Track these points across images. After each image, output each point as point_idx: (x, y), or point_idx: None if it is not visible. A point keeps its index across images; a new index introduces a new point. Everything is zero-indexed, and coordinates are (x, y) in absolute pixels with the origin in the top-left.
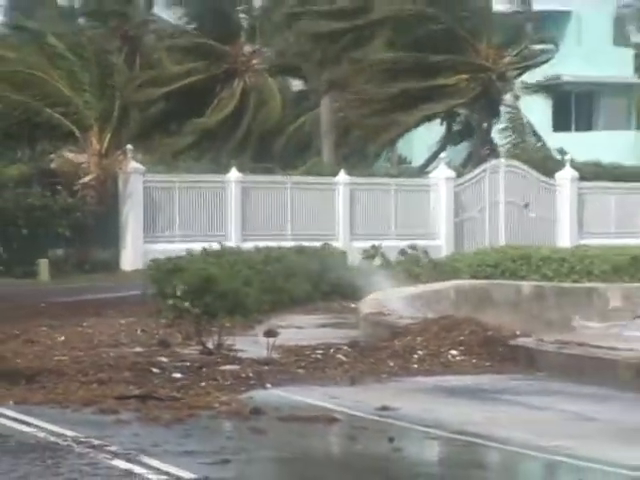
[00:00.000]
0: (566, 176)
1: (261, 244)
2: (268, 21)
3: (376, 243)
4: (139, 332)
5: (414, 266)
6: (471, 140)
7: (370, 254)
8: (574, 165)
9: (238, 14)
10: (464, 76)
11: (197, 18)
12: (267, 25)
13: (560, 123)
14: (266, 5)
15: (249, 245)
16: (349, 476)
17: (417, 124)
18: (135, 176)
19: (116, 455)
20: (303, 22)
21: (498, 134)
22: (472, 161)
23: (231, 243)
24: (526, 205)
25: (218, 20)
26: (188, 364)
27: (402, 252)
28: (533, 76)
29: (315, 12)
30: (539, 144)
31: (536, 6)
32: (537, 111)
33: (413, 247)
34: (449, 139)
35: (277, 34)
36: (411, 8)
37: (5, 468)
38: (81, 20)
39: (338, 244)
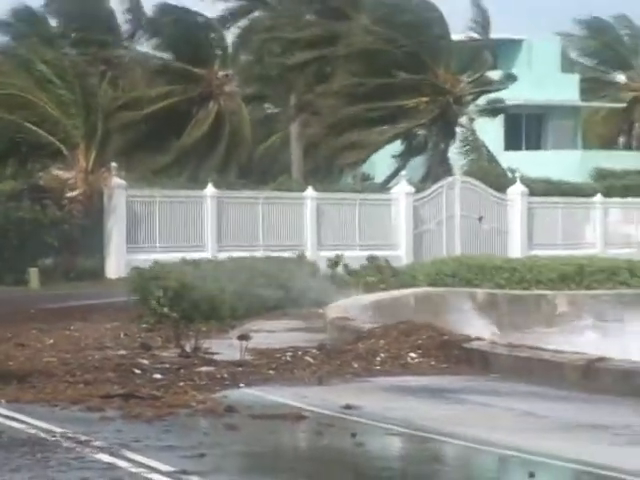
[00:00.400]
0: (517, 191)
1: (235, 254)
2: (240, 48)
3: (339, 253)
4: (122, 336)
5: (376, 275)
6: (429, 158)
7: (333, 263)
8: (524, 181)
9: (212, 41)
10: (424, 99)
11: (174, 45)
12: (239, 52)
13: (511, 143)
14: (239, 34)
15: (224, 255)
16: (315, 468)
17: (380, 145)
18: (118, 191)
19: (101, 449)
20: (272, 52)
21: (454, 153)
22: (430, 178)
23: (207, 253)
24: (480, 218)
25: (193, 47)
26: (167, 366)
27: (370, 259)
28: (487, 99)
29: (284, 41)
30: (492, 162)
31: (492, 34)
32: (490, 131)
33: (375, 257)
34: (409, 157)
35: (248, 62)
36: (377, 35)
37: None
38: (68, 47)
39: (306, 254)
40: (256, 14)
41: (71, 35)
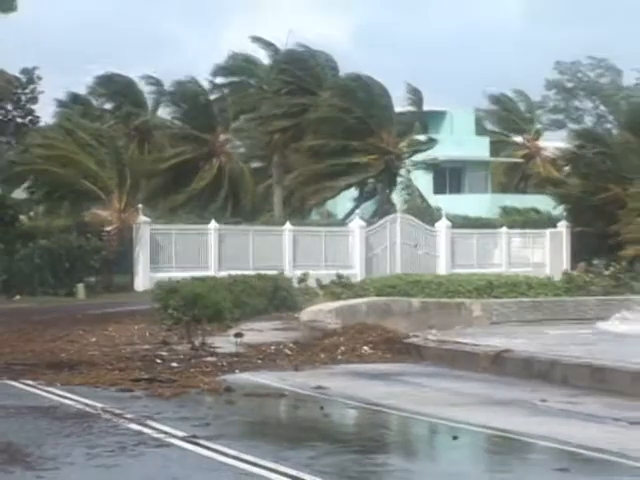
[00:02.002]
0: (443, 225)
1: (232, 272)
2: (236, 118)
3: (307, 271)
4: (147, 334)
5: (338, 288)
6: (377, 200)
7: (302, 279)
8: (448, 217)
9: (215, 113)
10: (372, 156)
11: (187, 115)
12: (235, 121)
13: (438, 188)
14: (235, 109)
15: (224, 273)
16: (293, 433)
17: (341, 191)
18: (144, 226)
19: (131, 420)
20: (260, 122)
21: (396, 196)
22: (378, 215)
23: (211, 272)
24: (416, 245)
25: (201, 117)
26: (181, 357)
27: (338, 276)
28: (425, 156)
29: (268, 115)
30: (424, 203)
31: (425, 107)
32: (422, 180)
33: (341, 275)
34: (362, 200)
35: (242, 130)
36: (337, 107)
37: (55, 429)
38: (107, 117)
39: (286, 272)
40: (249, 92)
41: (108, 108)
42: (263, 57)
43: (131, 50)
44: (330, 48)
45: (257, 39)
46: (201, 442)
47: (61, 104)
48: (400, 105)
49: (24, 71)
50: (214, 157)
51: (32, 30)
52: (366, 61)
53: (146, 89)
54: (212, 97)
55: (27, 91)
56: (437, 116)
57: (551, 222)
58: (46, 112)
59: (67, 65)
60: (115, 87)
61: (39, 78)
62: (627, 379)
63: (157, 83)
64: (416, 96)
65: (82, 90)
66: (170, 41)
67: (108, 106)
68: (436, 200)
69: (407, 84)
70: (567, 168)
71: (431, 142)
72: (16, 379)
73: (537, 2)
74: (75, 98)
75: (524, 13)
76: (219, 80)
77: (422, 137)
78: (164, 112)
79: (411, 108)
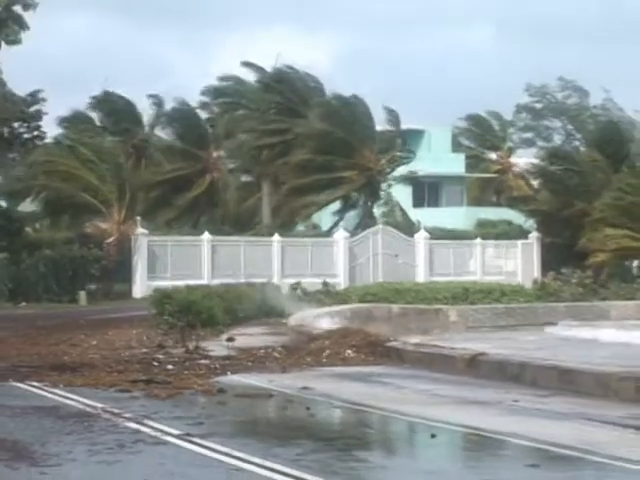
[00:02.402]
0: (421, 236)
1: (224, 281)
2: (228, 136)
3: (298, 280)
4: (145, 339)
5: (323, 295)
6: (360, 213)
7: (294, 287)
8: (426, 229)
9: (208, 131)
10: (355, 172)
11: (182, 133)
12: (227, 139)
13: (417, 202)
14: (227, 128)
15: (216, 282)
16: (281, 431)
17: (325, 204)
18: (142, 237)
19: (129, 419)
20: (250, 138)
21: (377, 209)
22: (361, 227)
23: (204, 280)
24: (396, 255)
25: (195, 135)
26: (176, 360)
27: (324, 284)
28: (406, 171)
29: (256, 131)
30: (404, 216)
31: (402, 126)
32: (402, 194)
33: (327, 283)
34: (345, 213)
35: (234, 146)
36: (322, 126)
37: (58, 428)
38: (106, 134)
39: (274, 281)
40: (239, 112)
41: (108, 126)
42: (252, 79)
43: (129, 73)
44: (314, 70)
45: (247, 64)
46: (195, 440)
47: (64, 121)
48: (380, 124)
49: (31, 93)
50: (207, 173)
51: (37, 56)
52: (347, 83)
53: (146, 108)
54: (205, 116)
55: (32, 110)
56: (416, 134)
57: (522, 233)
58: (49, 130)
59: (69, 87)
60: (114, 106)
61: (44, 100)
62: (592, 381)
63: (158, 102)
64: (393, 116)
65: (83, 108)
66: (165, 64)
67: (107, 124)
68: (415, 213)
69: (385, 106)
70: (537, 183)
71: (410, 155)
72: (22, 381)
73: (508, 28)
74: (76, 115)
75: (496, 38)
76: (211, 101)
77: (402, 153)
78: (160, 130)
79: (390, 127)
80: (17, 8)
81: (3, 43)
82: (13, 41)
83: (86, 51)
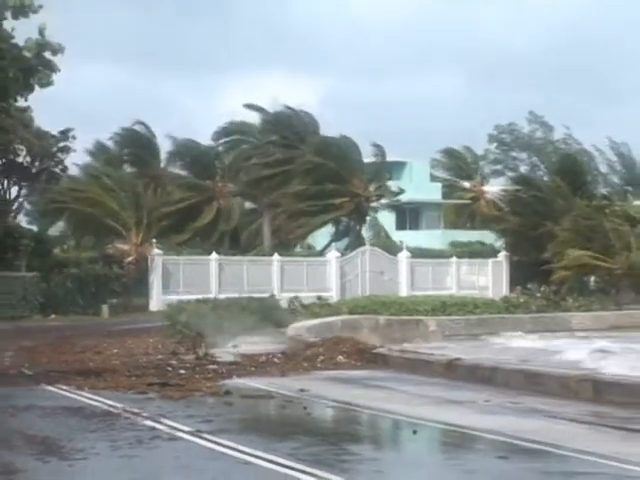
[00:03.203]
0: (404, 256)
1: (230, 295)
2: (233, 168)
3: (296, 294)
4: (160, 347)
5: (317, 307)
6: (350, 235)
7: (292, 301)
8: (408, 249)
9: (215, 164)
10: (345, 199)
11: (191, 166)
12: (232, 170)
13: (400, 225)
14: (231, 161)
15: (223, 296)
16: (281, 428)
17: (319, 227)
18: (157, 257)
19: (146, 418)
20: (252, 169)
21: (365, 231)
22: (350, 247)
23: (212, 295)
24: (381, 272)
25: (203, 167)
26: (188, 365)
27: (318, 298)
28: (390, 200)
29: (258, 163)
30: (388, 238)
31: (388, 158)
32: (387, 218)
33: (320, 297)
34: (337, 235)
35: (238, 176)
36: (316, 159)
37: (84, 426)
38: (126, 165)
39: (274, 295)
40: (243, 147)
41: (127, 158)
42: (255, 118)
43: (145, 111)
44: (307, 110)
45: (249, 105)
46: (205, 436)
47: (90, 153)
48: (367, 156)
49: (62, 131)
50: (214, 200)
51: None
52: (336, 121)
53: (162, 144)
54: (213, 152)
55: (61, 145)
56: (399, 166)
57: (493, 253)
58: (75, 161)
59: (87, 125)
60: (135, 140)
61: (74, 137)
62: (555, 382)
63: (173, 139)
64: (380, 150)
65: (107, 142)
66: (177, 104)
67: (128, 156)
68: (398, 235)
69: (372, 141)
70: (506, 208)
71: (399, 192)
72: (52, 384)
73: (476, 70)
74: (101, 148)
75: (467, 80)
76: (219, 140)
77: (392, 184)
78: (172, 163)
79: (376, 159)
80: (47, 53)
81: (37, 87)
82: (46, 84)
83: (102, 94)
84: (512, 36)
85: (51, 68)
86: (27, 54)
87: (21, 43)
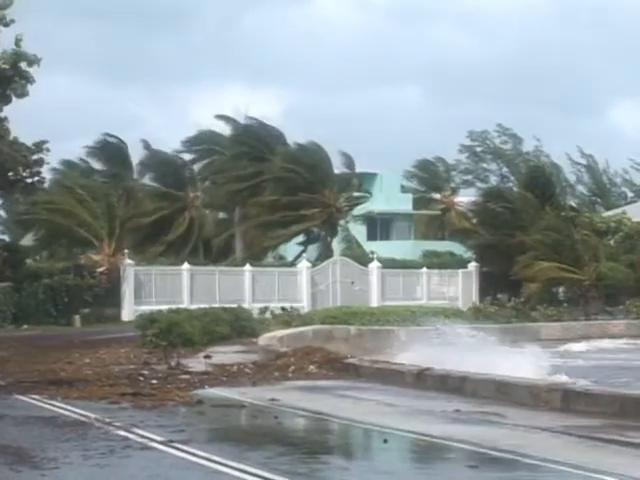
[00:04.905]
0: (374, 266)
1: (202, 305)
2: (203, 179)
3: (267, 305)
4: (132, 357)
5: (289, 317)
6: (321, 246)
7: (263, 311)
8: (379, 260)
9: (186, 174)
10: (316, 209)
11: (163, 177)
12: (203, 181)
13: (371, 236)
14: (202, 170)
15: (195, 306)
16: (252, 438)
17: (290, 237)
18: (129, 267)
19: (119, 427)
20: (223, 183)
21: (337, 242)
22: (321, 258)
23: (184, 305)
24: (352, 282)
25: (174, 178)
26: (160, 375)
27: (289, 308)
28: (363, 210)
29: (229, 175)
30: (359, 248)
31: (357, 169)
32: (358, 229)
33: (291, 307)
34: (308, 245)
35: (209, 187)
36: (286, 170)
37: (56, 435)
38: (98, 177)
39: (245, 305)
40: (214, 157)
41: (100, 170)
42: (224, 129)
43: (116, 124)
44: (272, 121)
45: (220, 116)
46: (177, 445)
47: (64, 164)
48: (337, 167)
49: (36, 143)
50: (185, 211)
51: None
52: (298, 133)
53: (133, 156)
54: (183, 162)
55: (36, 157)
56: (369, 177)
57: (463, 263)
58: (49, 172)
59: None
60: (108, 150)
61: (48, 150)
62: (524, 392)
63: (147, 147)
64: (349, 160)
65: (79, 153)
66: (141, 115)
67: (99, 167)
68: (369, 245)
69: (340, 151)
70: (476, 219)
71: (365, 196)
72: (24, 394)
73: (441, 84)
74: (71, 161)
75: (430, 93)
76: (189, 149)
77: (358, 193)
78: (144, 174)
79: (347, 170)
80: (23, 64)
81: (14, 97)
82: (22, 94)
83: (65, 106)
84: (480, 49)
85: (27, 79)
86: (4, 65)
87: None
